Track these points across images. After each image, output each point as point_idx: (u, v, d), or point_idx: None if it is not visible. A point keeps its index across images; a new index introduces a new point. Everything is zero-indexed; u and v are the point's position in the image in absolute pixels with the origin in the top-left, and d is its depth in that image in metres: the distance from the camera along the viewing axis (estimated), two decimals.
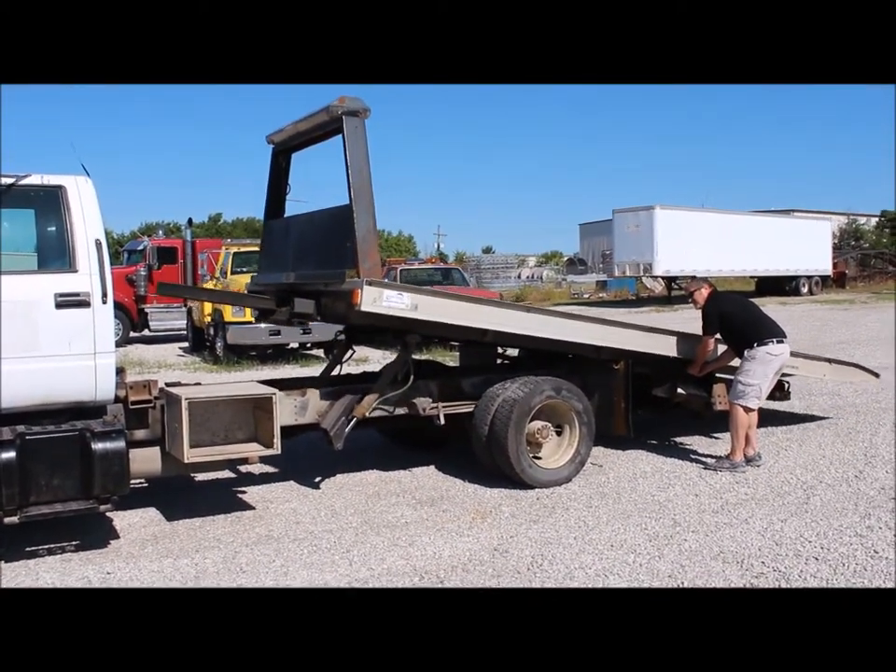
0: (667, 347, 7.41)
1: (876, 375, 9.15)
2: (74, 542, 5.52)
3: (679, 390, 7.57)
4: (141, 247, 21.41)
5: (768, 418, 8.50)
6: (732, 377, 7.31)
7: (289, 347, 15.75)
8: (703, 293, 7.41)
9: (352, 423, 6.40)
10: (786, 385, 8.20)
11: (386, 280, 6.96)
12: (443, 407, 6.78)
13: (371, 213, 6.09)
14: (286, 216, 7.71)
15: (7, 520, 4.97)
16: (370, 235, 6.04)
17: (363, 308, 5.87)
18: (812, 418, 9.00)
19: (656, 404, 7.72)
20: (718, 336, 7.31)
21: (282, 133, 7.26)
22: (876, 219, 52.98)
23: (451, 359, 9.62)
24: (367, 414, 6.46)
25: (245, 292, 8.03)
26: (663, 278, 33.55)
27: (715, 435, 8.26)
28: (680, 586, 4.63)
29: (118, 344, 6.76)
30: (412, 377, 6.61)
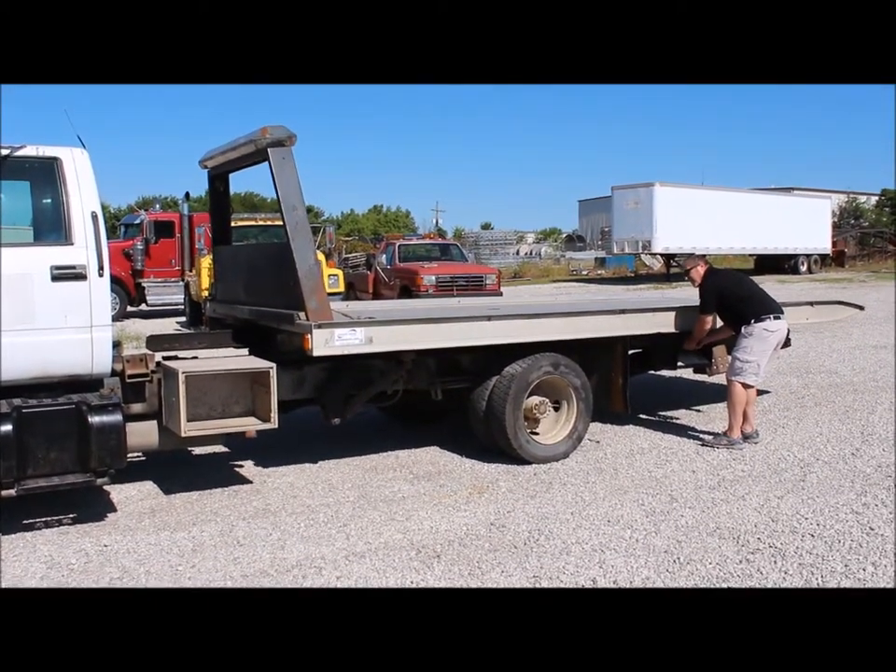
0: (664, 324, 7.35)
1: (861, 308, 9.18)
2: (71, 515, 5.52)
3: (679, 363, 7.66)
4: (138, 221, 21.31)
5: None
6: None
7: None
8: (699, 270, 7.39)
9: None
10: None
11: (345, 314, 6.48)
12: (441, 382, 6.79)
13: (310, 248, 5.91)
14: (234, 243, 7.57)
15: (4, 493, 4.95)
16: (313, 272, 5.83)
17: (316, 353, 5.73)
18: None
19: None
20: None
21: (213, 159, 7.03)
22: (876, 198, 52.84)
23: None
24: (348, 417, 6.52)
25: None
26: (661, 255, 33.48)
27: (711, 410, 8.28)
28: (676, 561, 4.64)
29: (115, 319, 6.71)
30: (400, 393, 6.66)
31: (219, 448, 7.03)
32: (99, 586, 4.48)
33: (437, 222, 58.74)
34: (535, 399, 6.69)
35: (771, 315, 7.03)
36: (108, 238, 5.52)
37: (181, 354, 6.37)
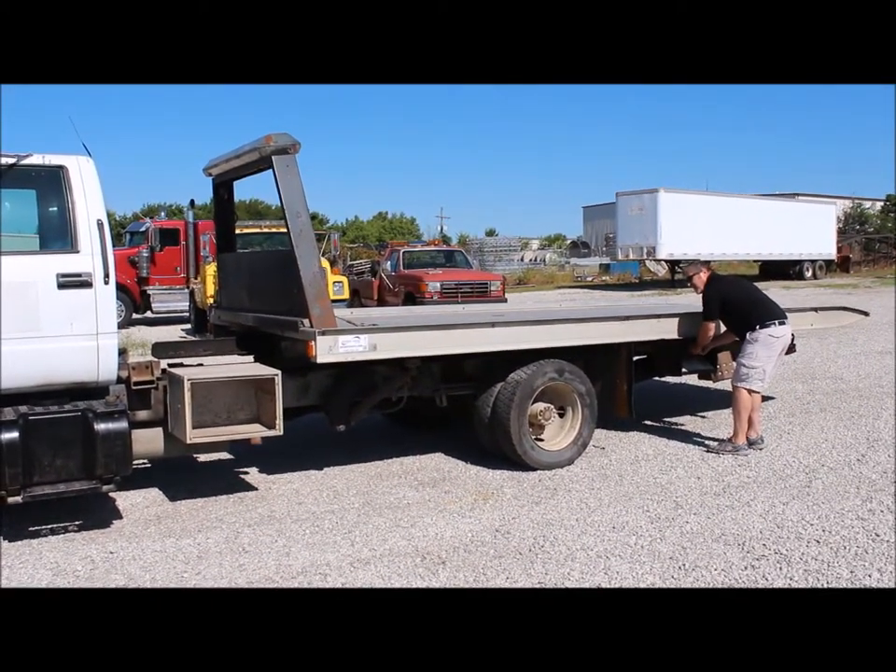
0: (669, 330, 7.34)
1: (865, 314, 9.15)
2: (77, 522, 5.53)
3: (684, 369, 7.65)
4: (143, 229, 21.41)
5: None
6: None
7: None
8: (702, 277, 7.37)
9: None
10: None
11: (349, 321, 6.53)
12: (445, 388, 6.79)
13: (314, 254, 5.92)
14: (238, 250, 7.57)
15: (10, 500, 4.97)
16: (316, 278, 5.85)
17: (319, 360, 5.74)
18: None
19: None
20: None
21: (217, 167, 7.05)
22: (881, 203, 52.74)
23: None
24: (353, 423, 6.54)
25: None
26: (666, 261, 33.40)
27: (716, 417, 8.27)
28: (682, 567, 4.64)
29: (120, 326, 6.74)
30: (404, 399, 6.68)
31: (224, 455, 7.05)
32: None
33: (441, 229, 58.94)
34: (540, 406, 6.69)
35: (776, 321, 7.01)
36: (114, 246, 5.54)
37: (186, 361, 6.39)
